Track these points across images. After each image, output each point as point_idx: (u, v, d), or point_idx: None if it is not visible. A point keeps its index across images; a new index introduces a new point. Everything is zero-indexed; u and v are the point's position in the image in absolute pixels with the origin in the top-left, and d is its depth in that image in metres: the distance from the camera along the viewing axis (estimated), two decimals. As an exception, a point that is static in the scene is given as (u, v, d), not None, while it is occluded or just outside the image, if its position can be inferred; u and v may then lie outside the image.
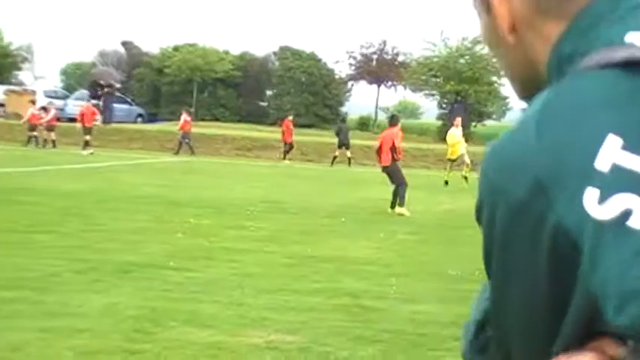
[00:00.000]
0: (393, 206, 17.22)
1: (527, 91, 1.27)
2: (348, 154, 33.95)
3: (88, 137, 33.36)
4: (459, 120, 24.88)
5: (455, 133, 24.63)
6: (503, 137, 1.07)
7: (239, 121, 51.06)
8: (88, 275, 9.35)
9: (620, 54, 1.03)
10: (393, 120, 18.61)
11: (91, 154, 31.84)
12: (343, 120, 36.99)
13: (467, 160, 24.53)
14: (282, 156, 35.19)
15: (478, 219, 1.08)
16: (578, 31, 1.11)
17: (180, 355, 6.51)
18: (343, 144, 34.20)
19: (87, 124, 33.75)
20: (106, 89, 42.79)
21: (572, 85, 1.05)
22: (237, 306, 8.25)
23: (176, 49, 56.94)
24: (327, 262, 10.97)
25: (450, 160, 25.70)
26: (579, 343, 0.99)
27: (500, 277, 1.07)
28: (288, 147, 35.30)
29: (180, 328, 7.29)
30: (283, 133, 35.62)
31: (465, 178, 23.75)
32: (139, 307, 7.95)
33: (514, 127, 1.06)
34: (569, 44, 1.12)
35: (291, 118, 36.55)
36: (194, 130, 40.33)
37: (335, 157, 34.10)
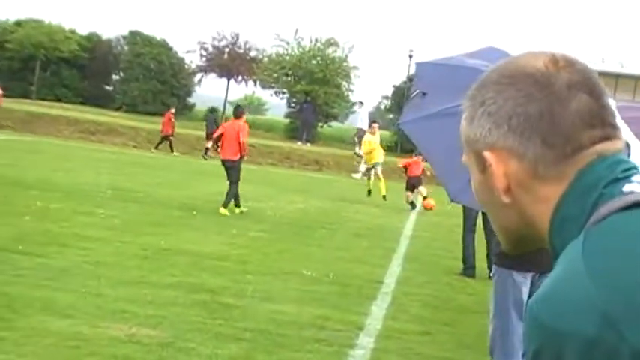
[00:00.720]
0: (237, 205, 16.27)
1: (516, 245, 1.35)
2: (209, 144, 33.10)
3: None
4: (375, 127, 23.19)
5: (371, 140, 22.84)
6: (548, 290, 1.11)
7: (82, 103, 49.68)
8: None
9: (631, 198, 1.15)
10: (237, 111, 17.05)
11: None
12: (212, 110, 35.77)
13: (379, 171, 22.79)
14: (169, 149, 34.00)
15: None
16: (581, 191, 1.20)
17: (40, 344, 6.31)
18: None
19: None
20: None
21: (604, 228, 1.14)
22: (95, 296, 8.05)
23: (18, 23, 54.89)
24: (182, 255, 10.86)
25: (367, 168, 23.91)
26: None
27: None
28: (164, 139, 34.18)
29: (38, 317, 7.06)
30: (164, 124, 34.44)
31: (384, 197, 21.91)
32: (-9, 293, 7.63)
33: (555, 280, 1.12)
34: (573, 204, 1.20)
35: (173, 110, 35.29)
36: (33, 109, 39.03)
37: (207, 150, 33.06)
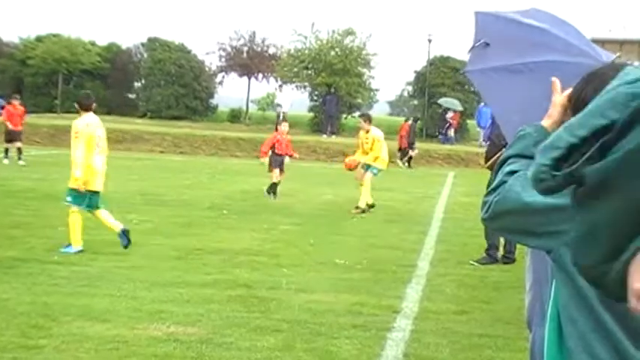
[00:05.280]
0: None
1: None
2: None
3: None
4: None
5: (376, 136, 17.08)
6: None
7: (107, 113, 49.93)
8: (-28, 271, 9.04)
9: None
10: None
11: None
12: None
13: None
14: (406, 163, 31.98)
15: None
16: None
17: (79, 350, 6.39)
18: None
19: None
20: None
21: None
22: (131, 299, 8.13)
23: (39, 39, 55.21)
24: (216, 254, 10.93)
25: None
26: None
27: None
28: (405, 152, 32.51)
29: (76, 323, 7.14)
30: (401, 137, 32.59)
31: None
32: (29, 303, 7.74)
33: None
34: None
35: (410, 122, 33.54)
36: (59, 122, 39.27)
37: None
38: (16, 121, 26.13)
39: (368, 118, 17.33)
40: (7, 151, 25.60)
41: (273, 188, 18.16)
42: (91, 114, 11.16)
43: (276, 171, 18.25)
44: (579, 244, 1.44)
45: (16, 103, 26.81)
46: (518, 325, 7.12)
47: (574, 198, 1.46)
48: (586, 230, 1.41)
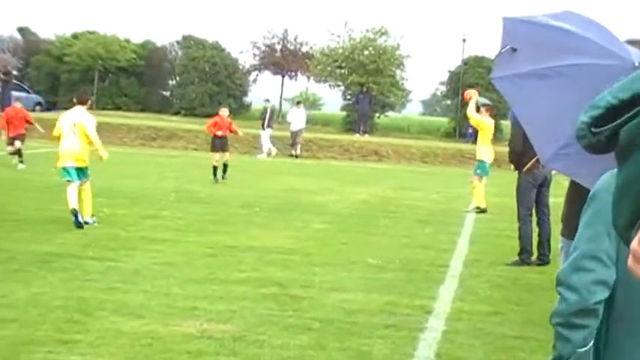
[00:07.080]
0: None
1: None
2: None
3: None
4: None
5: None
6: None
7: (141, 110, 50.28)
8: (8, 265, 9.15)
9: None
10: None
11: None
12: None
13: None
14: None
15: None
16: None
17: (114, 345, 6.44)
18: None
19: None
20: (2, 76, 41.47)
21: None
22: (165, 295, 8.19)
23: (75, 36, 55.65)
24: (248, 252, 10.96)
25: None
26: None
27: None
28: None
29: (111, 318, 7.21)
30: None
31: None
32: (65, 298, 7.81)
33: None
34: None
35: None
36: (98, 119, 39.56)
37: None
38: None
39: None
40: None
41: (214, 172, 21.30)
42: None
43: (215, 155, 21.62)
44: (614, 204, 1.44)
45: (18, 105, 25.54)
46: (551, 328, 7.07)
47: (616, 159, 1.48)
48: (618, 191, 1.42)
